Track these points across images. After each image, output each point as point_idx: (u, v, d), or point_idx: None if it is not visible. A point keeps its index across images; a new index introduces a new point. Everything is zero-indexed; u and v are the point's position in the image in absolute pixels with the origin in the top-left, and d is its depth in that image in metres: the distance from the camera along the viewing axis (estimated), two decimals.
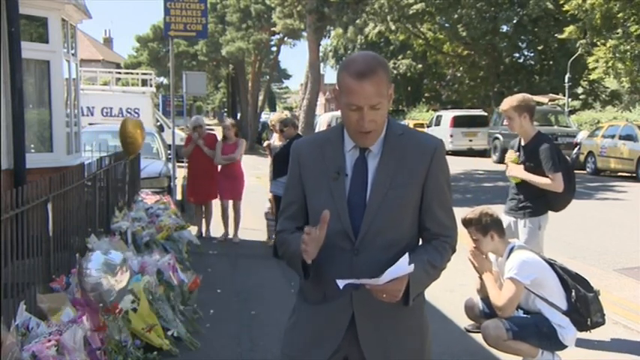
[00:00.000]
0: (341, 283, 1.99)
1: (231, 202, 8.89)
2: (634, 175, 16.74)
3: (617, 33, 22.66)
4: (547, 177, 4.82)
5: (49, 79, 6.83)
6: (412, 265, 1.97)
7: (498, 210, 4.67)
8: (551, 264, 4.30)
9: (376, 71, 2.02)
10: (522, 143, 5.04)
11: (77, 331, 3.38)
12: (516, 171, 4.94)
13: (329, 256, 2.10)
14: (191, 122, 9.32)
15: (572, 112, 28.17)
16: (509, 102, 4.96)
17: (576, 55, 26.76)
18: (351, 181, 2.14)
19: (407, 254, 1.98)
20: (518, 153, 5.06)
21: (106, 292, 4.00)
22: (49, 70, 6.82)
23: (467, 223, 4.34)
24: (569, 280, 4.23)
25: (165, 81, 37.89)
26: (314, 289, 2.19)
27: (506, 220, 4.96)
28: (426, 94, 44.02)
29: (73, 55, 7.58)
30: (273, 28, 29.93)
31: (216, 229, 9.13)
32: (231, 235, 8.88)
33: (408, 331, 2.20)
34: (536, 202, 4.90)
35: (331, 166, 2.15)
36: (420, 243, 2.23)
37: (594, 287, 4.35)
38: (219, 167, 8.84)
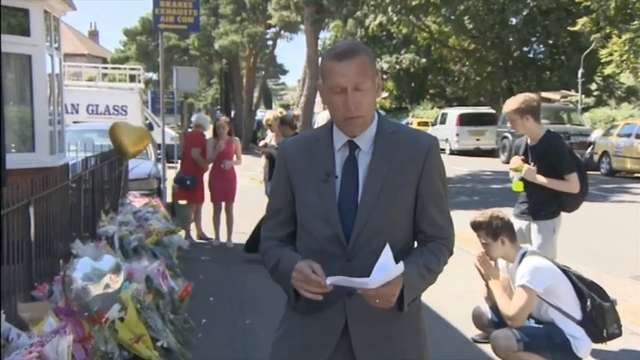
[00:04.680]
0: (330, 280, 2.00)
1: (223, 205, 8.89)
2: None
3: (634, 24, 22.66)
4: (559, 178, 4.82)
5: (31, 75, 6.81)
6: (401, 264, 1.97)
7: (508, 213, 4.65)
8: (565, 271, 4.29)
9: (357, 52, 2.07)
10: (530, 144, 5.03)
11: (60, 342, 3.36)
12: (531, 175, 4.92)
13: (320, 262, 2.09)
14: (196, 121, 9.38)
15: (585, 109, 28.24)
16: (510, 104, 4.99)
17: (590, 49, 26.78)
18: (342, 182, 2.14)
19: (387, 245, 1.98)
20: (523, 157, 5.05)
21: (91, 300, 3.98)
22: (30, 65, 6.80)
23: (476, 226, 4.33)
24: (585, 289, 4.22)
25: (154, 77, 37.85)
26: (304, 297, 2.18)
27: (517, 224, 4.94)
28: (431, 91, 44.08)
29: (56, 49, 7.56)
30: (268, 21, 29.93)
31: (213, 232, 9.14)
32: (224, 240, 8.88)
33: (404, 339, 2.19)
34: (549, 204, 4.89)
35: (320, 166, 2.16)
36: (416, 246, 2.23)
37: (610, 296, 4.34)
38: (210, 167, 8.86)
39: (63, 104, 8.19)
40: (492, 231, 4.28)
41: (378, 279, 1.96)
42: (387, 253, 1.97)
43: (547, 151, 4.87)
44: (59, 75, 7.80)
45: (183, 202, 9.63)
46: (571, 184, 4.80)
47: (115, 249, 5.84)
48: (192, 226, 9.58)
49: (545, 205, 4.90)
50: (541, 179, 4.88)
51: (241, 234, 9.18)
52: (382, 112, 2.32)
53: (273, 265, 2.21)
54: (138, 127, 7.53)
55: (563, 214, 5.00)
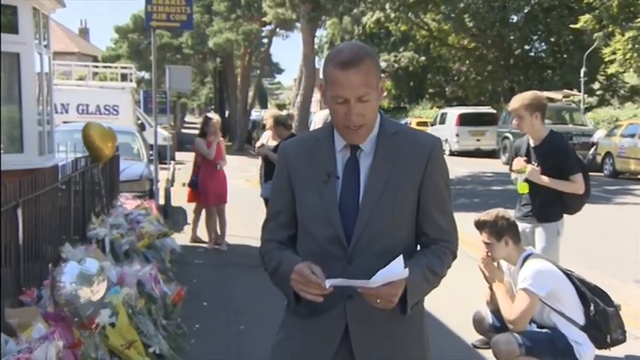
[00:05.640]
0: (329, 282, 2.00)
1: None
2: None
3: (637, 22, 22.72)
4: (564, 179, 4.82)
5: (19, 74, 6.78)
6: (407, 270, 1.98)
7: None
8: (569, 275, 4.29)
9: (363, 60, 2.05)
10: (532, 144, 5.03)
11: (49, 349, 3.35)
12: (536, 176, 4.91)
13: (320, 264, 2.10)
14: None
15: (588, 109, 28.27)
16: (519, 100, 4.96)
17: (592, 47, 26.83)
18: (343, 183, 2.15)
19: (401, 256, 1.99)
20: (525, 158, 5.05)
21: (82, 306, 3.97)
22: (18, 63, 6.77)
23: (481, 225, 4.34)
24: (588, 293, 4.22)
25: (146, 76, 37.81)
26: (304, 300, 2.19)
27: (520, 226, 4.92)
28: (430, 90, 44.15)
29: (45, 47, 7.53)
30: (264, 19, 29.93)
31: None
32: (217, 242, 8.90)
33: (406, 345, 2.20)
34: (552, 207, 4.89)
35: (321, 167, 2.17)
36: (418, 248, 2.25)
37: (614, 301, 4.34)
38: (201, 169, 8.87)
39: (52, 104, 8.16)
40: (496, 231, 4.29)
41: (380, 279, 1.96)
42: (398, 263, 1.97)
43: (553, 151, 4.87)
44: (48, 74, 7.77)
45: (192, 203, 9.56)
46: (576, 184, 4.80)
47: (106, 252, 5.83)
48: (188, 227, 9.57)
49: (549, 207, 4.90)
50: (545, 180, 4.88)
51: (235, 237, 9.18)
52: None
53: (273, 268, 2.22)
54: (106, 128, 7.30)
55: (566, 216, 5.01)
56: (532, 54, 35.44)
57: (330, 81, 2.07)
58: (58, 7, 7.78)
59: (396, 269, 1.96)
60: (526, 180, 4.98)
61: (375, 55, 2.13)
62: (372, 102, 2.08)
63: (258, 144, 8.51)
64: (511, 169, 5.16)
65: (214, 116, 9.64)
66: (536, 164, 4.94)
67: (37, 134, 7.08)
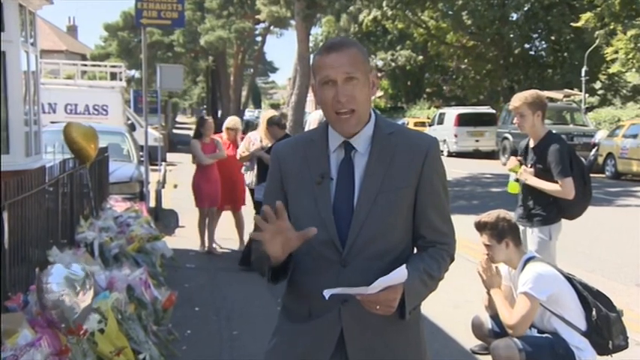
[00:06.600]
0: (327, 292, 1.99)
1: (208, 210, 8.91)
2: None
3: (639, 21, 22.81)
4: (555, 182, 4.83)
5: (5, 72, 6.76)
6: (405, 273, 1.98)
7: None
8: (570, 279, 4.30)
9: (347, 45, 2.11)
10: (532, 144, 5.05)
11: (36, 356, 3.34)
12: (524, 176, 4.94)
13: (314, 268, 2.11)
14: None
15: (589, 109, 28.35)
16: (521, 98, 4.97)
17: (594, 46, 26.90)
18: (337, 185, 2.16)
19: (404, 265, 1.99)
20: (520, 157, 5.07)
21: (68, 309, 3.96)
22: (4, 61, 6.75)
23: (481, 226, 4.35)
24: (590, 298, 4.23)
25: (137, 74, 37.81)
26: (298, 305, 2.19)
27: None
28: (428, 90, 44.20)
29: (32, 45, 7.52)
30: (257, 16, 29.99)
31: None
32: (214, 246, 8.90)
33: (403, 351, 2.20)
34: (547, 210, 4.90)
35: (315, 169, 2.17)
36: (415, 251, 2.25)
37: (617, 306, 4.35)
38: (195, 170, 8.86)
39: (40, 103, 8.14)
40: (497, 232, 4.30)
41: (379, 285, 1.96)
42: (400, 271, 1.97)
43: (546, 151, 4.89)
44: (35, 72, 7.74)
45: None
46: (564, 189, 4.79)
47: (95, 256, 5.81)
48: (179, 231, 9.56)
49: (542, 210, 4.91)
50: (532, 181, 4.89)
51: (228, 240, 9.17)
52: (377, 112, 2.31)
53: (257, 254, 2.18)
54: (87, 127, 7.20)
55: (564, 219, 5.01)
56: (532, 53, 35.54)
57: (317, 68, 2.12)
58: (46, 3, 7.76)
59: (398, 277, 1.96)
60: (517, 180, 5.02)
61: (362, 48, 2.17)
62: (361, 85, 2.10)
63: (238, 154, 8.35)
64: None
65: (234, 119, 9.65)
66: (530, 165, 4.97)
67: (24, 135, 7.05)
